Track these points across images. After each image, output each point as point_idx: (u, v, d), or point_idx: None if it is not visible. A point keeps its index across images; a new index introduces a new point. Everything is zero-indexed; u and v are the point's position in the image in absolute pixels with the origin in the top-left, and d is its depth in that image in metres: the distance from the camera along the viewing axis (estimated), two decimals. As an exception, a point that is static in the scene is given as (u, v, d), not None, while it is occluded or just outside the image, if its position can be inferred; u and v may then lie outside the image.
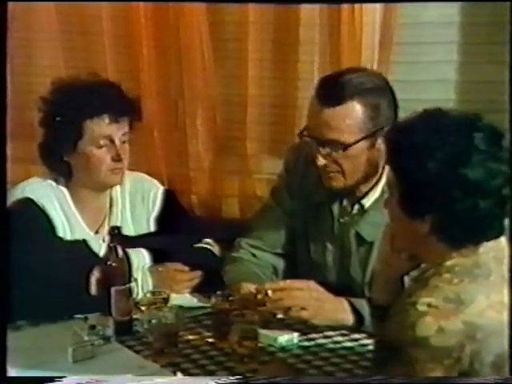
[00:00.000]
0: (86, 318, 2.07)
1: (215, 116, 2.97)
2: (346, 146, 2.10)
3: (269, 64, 2.83)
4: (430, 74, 2.68)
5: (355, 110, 2.09)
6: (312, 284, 2.06)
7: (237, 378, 1.78)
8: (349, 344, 2.02)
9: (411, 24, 2.66)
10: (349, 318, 2.04)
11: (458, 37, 2.65)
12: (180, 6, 2.87)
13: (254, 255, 2.32)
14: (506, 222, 1.59)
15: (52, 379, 1.76)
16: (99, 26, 2.97)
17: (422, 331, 1.49)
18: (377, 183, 2.20)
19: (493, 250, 1.58)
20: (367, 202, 2.20)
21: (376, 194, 2.20)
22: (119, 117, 2.35)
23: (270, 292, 2.03)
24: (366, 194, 2.20)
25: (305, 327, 2.07)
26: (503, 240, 1.60)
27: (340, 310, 2.05)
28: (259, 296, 2.04)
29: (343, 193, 2.21)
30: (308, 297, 2.03)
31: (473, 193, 1.54)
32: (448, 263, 1.57)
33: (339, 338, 2.04)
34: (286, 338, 2.02)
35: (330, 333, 2.06)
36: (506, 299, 1.53)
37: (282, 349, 2.00)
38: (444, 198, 1.55)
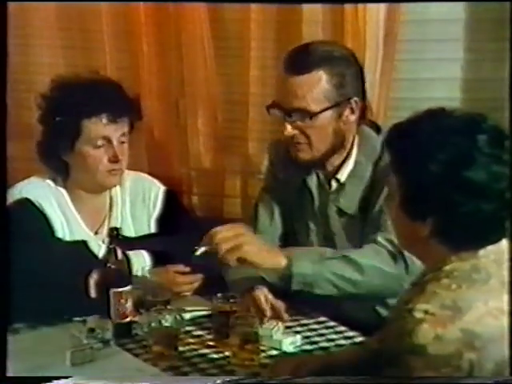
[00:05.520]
0: (84, 321, 2.04)
1: (216, 115, 2.95)
2: (312, 115, 2.10)
3: (271, 62, 2.80)
4: (434, 72, 2.65)
5: (321, 78, 2.11)
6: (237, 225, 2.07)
7: (239, 378, 1.78)
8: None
9: (416, 21, 2.62)
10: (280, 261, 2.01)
11: (463, 34, 2.62)
12: (180, 3, 2.84)
13: None
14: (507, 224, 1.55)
15: (53, 379, 1.74)
16: (99, 23, 2.94)
17: (419, 339, 1.46)
18: (348, 156, 2.21)
19: (493, 252, 1.54)
20: (342, 175, 2.22)
21: (349, 166, 2.21)
22: (118, 117, 2.31)
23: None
24: (339, 168, 2.21)
25: (307, 329, 2.06)
26: (504, 243, 1.56)
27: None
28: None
29: (311, 166, 2.22)
30: (237, 233, 2.01)
31: (475, 196, 1.51)
32: (447, 268, 1.53)
33: (342, 342, 2.02)
34: (289, 340, 2.00)
35: (333, 336, 2.05)
36: (506, 305, 1.49)
37: (285, 352, 1.97)
38: (446, 200, 1.52)
